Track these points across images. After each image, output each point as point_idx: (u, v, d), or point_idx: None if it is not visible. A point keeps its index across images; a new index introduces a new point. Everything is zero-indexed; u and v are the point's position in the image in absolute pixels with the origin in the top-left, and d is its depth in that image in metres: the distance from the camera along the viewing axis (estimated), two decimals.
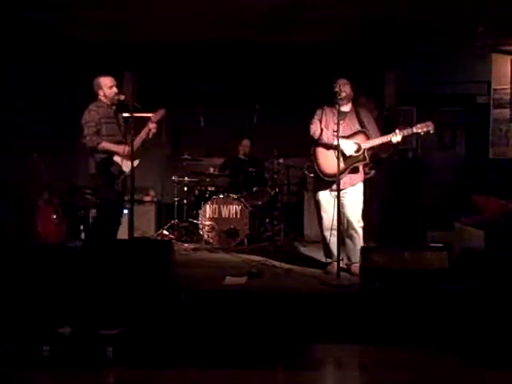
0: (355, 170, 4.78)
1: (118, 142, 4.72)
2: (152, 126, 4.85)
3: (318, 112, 4.88)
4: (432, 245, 4.91)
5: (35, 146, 6.13)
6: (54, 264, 3.74)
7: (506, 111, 6.73)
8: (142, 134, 4.81)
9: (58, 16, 5.82)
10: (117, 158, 4.70)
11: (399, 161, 7.00)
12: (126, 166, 4.65)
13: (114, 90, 4.77)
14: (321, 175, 4.79)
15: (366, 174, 4.93)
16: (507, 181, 6.00)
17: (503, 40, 6.52)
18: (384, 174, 6.34)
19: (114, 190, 4.70)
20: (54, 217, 5.99)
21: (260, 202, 6.71)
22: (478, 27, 5.88)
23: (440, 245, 4.36)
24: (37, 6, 5.51)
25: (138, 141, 4.76)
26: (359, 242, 4.78)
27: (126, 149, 4.61)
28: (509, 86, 6.66)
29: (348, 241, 4.81)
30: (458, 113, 7.36)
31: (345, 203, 4.72)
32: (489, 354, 3.45)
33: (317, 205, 4.93)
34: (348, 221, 4.75)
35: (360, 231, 4.79)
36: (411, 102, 7.18)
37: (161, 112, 4.92)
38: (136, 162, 4.66)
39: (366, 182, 4.91)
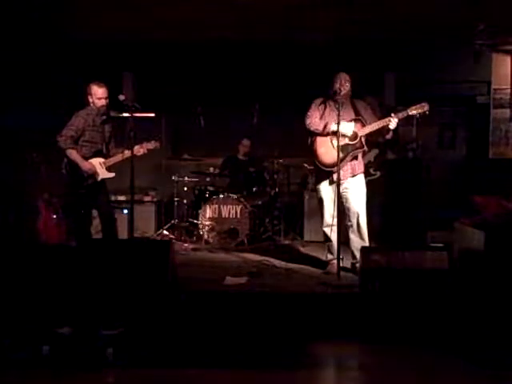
0: (355, 158, 4.76)
1: (97, 151, 4.85)
2: (138, 151, 4.85)
3: (316, 103, 4.84)
4: (432, 245, 4.91)
5: (35, 146, 6.14)
6: (54, 264, 3.74)
7: (506, 111, 6.72)
8: (124, 155, 4.83)
9: (58, 16, 5.82)
10: (94, 163, 4.80)
11: (399, 161, 7.00)
12: (102, 174, 4.84)
13: (103, 102, 4.80)
14: (320, 166, 4.76)
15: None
16: (507, 181, 5.99)
17: (503, 38, 6.51)
18: (384, 174, 6.34)
19: (78, 192, 4.79)
20: (54, 217, 6.00)
21: (260, 202, 6.71)
22: (477, 25, 5.88)
23: (440, 245, 4.36)
24: (37, 6, 5.51)
25: (118, 157, 4.87)
26: (366, 235, 4.74)
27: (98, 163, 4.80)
28: (509, 86, 6.66)
29: (353, 237, 4.76)
30: (458, 113, 7.36)
31: (348, 197, 4.69)
32: (489, 353, 3.45)
33: (319, 201, 4.90)
34: (353, 214, 4.71)
35: (365, 225, 4.75)
36: (411, 102, 7.15)
37: (154, 143, 4.98)
38: (111, 175, 4.87)
39: (367, 182, 4.90)
